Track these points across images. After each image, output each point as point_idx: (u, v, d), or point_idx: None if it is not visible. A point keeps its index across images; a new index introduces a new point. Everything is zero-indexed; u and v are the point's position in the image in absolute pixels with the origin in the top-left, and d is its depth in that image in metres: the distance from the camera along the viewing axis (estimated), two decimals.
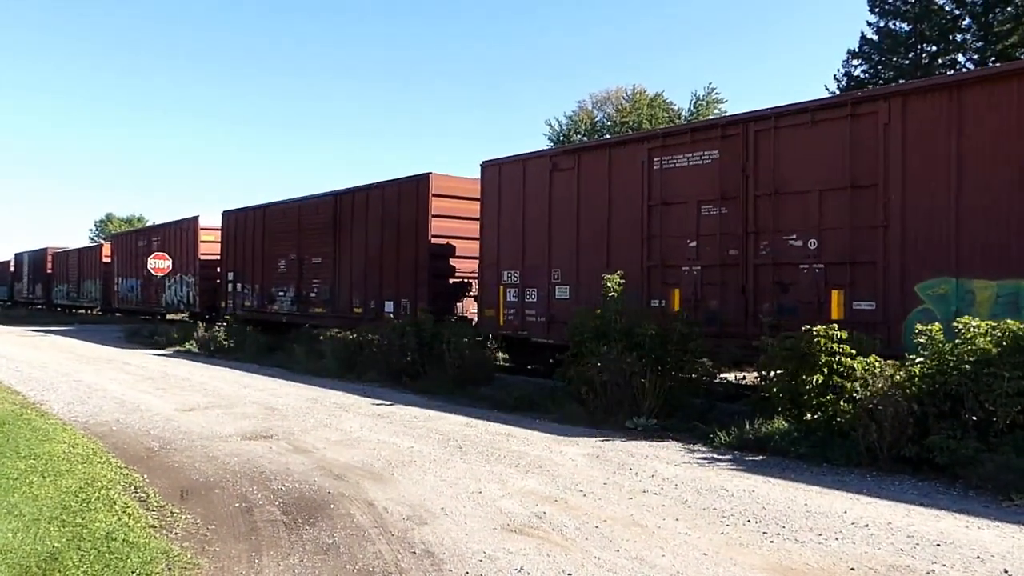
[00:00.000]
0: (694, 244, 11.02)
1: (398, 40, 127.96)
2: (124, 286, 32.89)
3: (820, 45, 76.76)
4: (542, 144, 50.80)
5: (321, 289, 18.98)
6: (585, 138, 48.34)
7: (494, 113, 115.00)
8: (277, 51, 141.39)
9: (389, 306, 16.43)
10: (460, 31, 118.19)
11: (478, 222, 14.63)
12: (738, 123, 10.69)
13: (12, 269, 53.88)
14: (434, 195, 15.68)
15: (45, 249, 46.40)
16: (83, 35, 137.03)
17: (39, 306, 47.38)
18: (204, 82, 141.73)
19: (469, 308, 15.98)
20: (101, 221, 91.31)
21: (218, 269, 24.49)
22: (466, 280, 16.01)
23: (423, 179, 15.86)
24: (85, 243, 56.04)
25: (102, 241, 38.06)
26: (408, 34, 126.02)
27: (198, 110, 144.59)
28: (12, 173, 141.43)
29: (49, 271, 45.08)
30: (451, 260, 15.88)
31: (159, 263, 28.08)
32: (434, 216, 15.64)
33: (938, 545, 5.12)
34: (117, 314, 35.33)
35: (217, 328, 20.69)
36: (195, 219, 25.97)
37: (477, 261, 14.85)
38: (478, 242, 14.69)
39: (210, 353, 19.53)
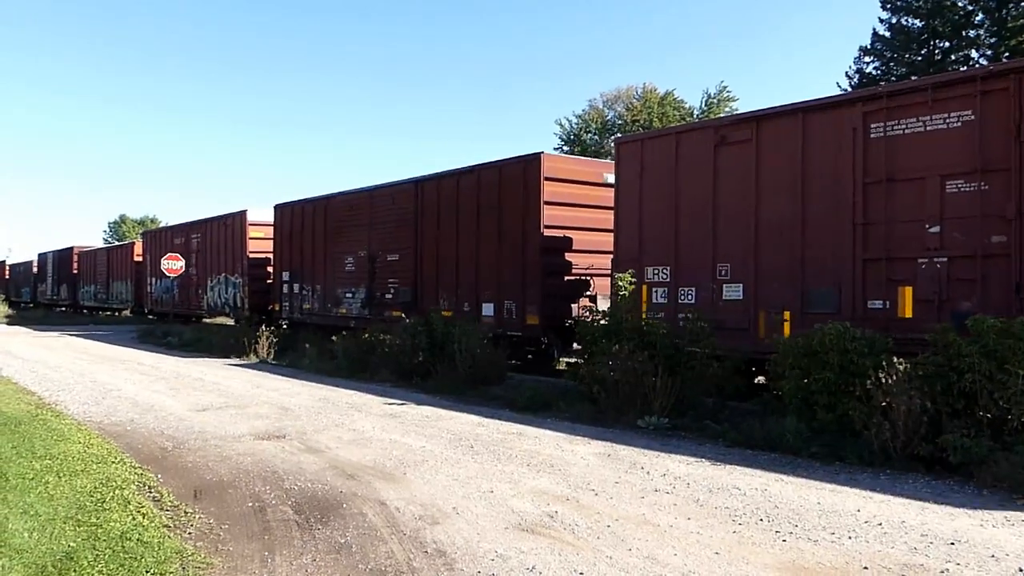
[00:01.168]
0: (936, 230, 8.78)
1: (403, 39, 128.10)
2: (158, 287, 30.43)
3: (831, 43, 76.40)
4: (552, 144, 50.79)
5: (399, 290, 16.85)
6: (596, 137, 48.28)
7: (497, 114, 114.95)
8: (287, 52, 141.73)
9: (488, 309, 14.47)
10: (463, 31, 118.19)
11: (598, 210, 13.18)
12: (1006, 73, 8.44)
13: (35, 270, 51.70)
14: (546, 179, 13.60)
15: (71, 248, 43.97)
16: (96, 36, 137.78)
17: (63, 308, 45.37)
18: (216, 83, 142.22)
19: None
20: (115, 222, 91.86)
21: (269, 268, 22.75)
22: (583, 277, 14.01)
23: (533, 160, 13.79)
24: (100, 244, 53.78)
25: (135, 239, 34.97)
26: (415, 33, 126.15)
27: (210, 111, 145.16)
28: (26, 175, 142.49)
29: (75, 271, 42.66)
30: (566, 255, 13.85)
31: (172, 264, 27.90)
32: (547, 204, 13.59)
33: (952, 544, 5.10)
34: (150, 316, 32.60)
35: (268, 337, 18.35)
36: (243, 213, 23.53)
37: (597, 256, 13.37)
38: (599, 234, 13.13)
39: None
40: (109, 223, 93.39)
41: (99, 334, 27.53)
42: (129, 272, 34.34)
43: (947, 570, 4.65)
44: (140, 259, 33.04)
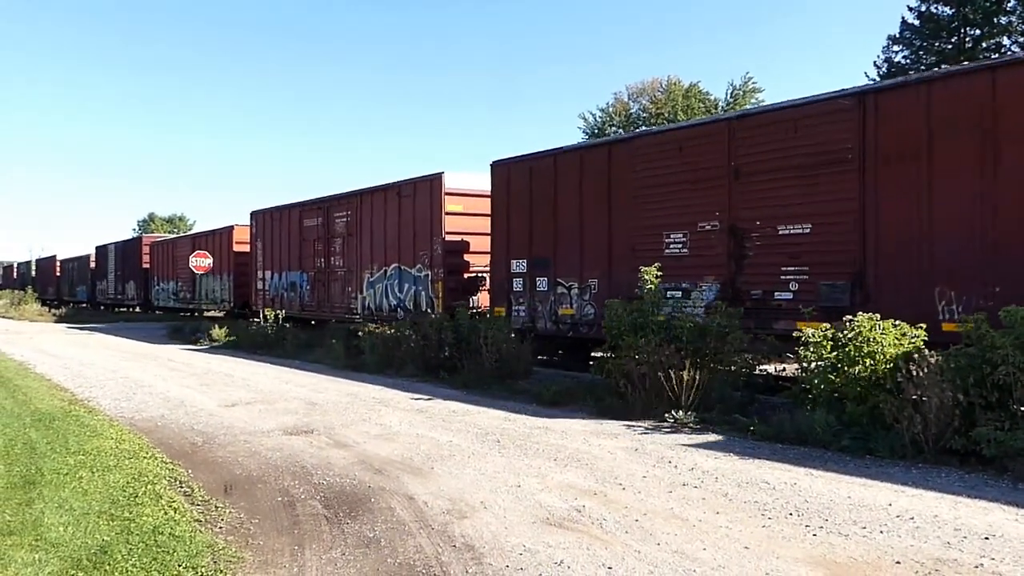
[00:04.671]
0: None
1: (413, 32, 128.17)
2: (277, 283, 23.53)
3: (859, 32, 75.42)
4: (576, 138, 50.64)
5: (816, 285, 9.65)
6: (620, 131, 48.09)
7: (511, 110, 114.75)
8: (300, 49, 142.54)
9: None
10: (480, 25, 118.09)
11: None
12: None
13: (93, 265, 44.70)
14: None
15: (139, 238, 38.77)
16: (110, 36, 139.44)
17: (128, 308, 40.15)
18: (240, 84, 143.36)
19: None
20: (143, 221, 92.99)
21: (466, 256, 16.87)
22: None
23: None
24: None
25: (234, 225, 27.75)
26: (425, 27, 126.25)
27: (236, 112, 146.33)
28: (52, 176, 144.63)
29: (146, 265, 35.99)
30: None
31: (200, 261, 27.36)
32: None
33: (986, 538, 5.02)
34: (256, 321, 21.43)
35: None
36: (436, 178, 16.73)
37: None
38: None
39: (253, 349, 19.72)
40: (138, 221, 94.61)
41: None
42: (227, 264, 27.58)
43: (982, 565, 4.58)
44: (244, 248, 26.46)
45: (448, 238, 16.50)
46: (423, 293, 16.97)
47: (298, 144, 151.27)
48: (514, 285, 14.61)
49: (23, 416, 9.69)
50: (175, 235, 34.98)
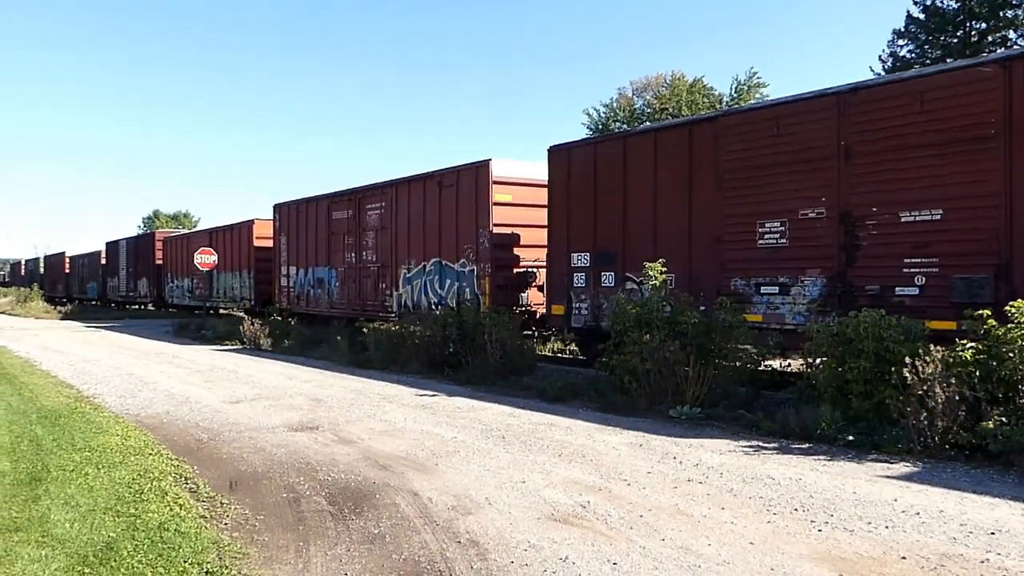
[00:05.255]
0: None
1: (408, 32, 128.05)
2: (303, 279, 22.11)
3: (864, 26, 75.17)
4: (581, 133, 50.58)
5: (947, 279, 8.76)
6: (625, 126, 47.99)
7: (512, 109, 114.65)
8: (306, 48, 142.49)
9: None
10: (480, 25, 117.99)
11: None
12: None
13: (104, 261, 43.65)
14: None
15: (151, 233, 37.89)
16: (112, 34, 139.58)
17: (139, 306, 39.45)
18: (244, 81, 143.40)
19: None
20: (148, 218, 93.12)
21: (516, 250, 15.54)
22: None
23: None
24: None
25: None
26: (423, 27, 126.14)
27: (239, 109, 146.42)
28: (59, 173, 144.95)
29: (158, 261, 35.02)
30: None
31: (205, 258, 26.93)
32: None
33: (992, 533, 5.01)
34: (280, 318, 21.18)
35: None
36: (484, 165, 15.47)
37: None
38: None
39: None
40: (143, 218, 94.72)
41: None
42: (247, 261, 26.25)
43: (988, 560, 4.57)
44: (264, 243, 25.18)
45: (496, 230, 15.24)
46: (467, 290, 15.71)
47: (300, 143, 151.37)
48: (575, 281, 13.31)
49: (29, 413, 9.72)
50: (189, 230, 32.85)
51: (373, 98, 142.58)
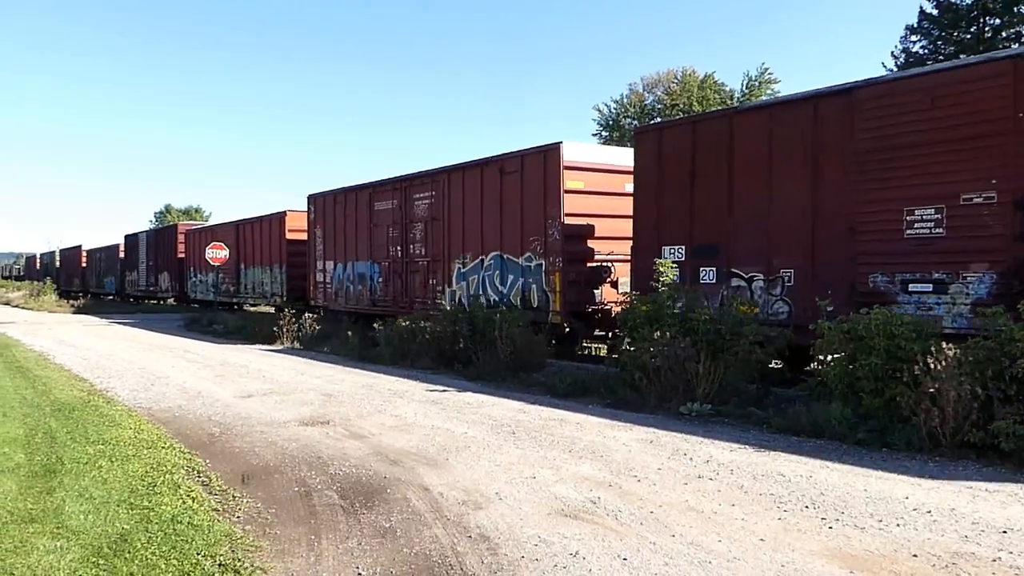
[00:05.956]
0: None
1: (413, 30, 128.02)
2: (343, 274, 20.76)
3: (875, 22, 74.74)
4: (589, 130, 50.48)
5: None
6: (636, 122, 47.89)
7: (518, 108, 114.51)
8: (312, 47, 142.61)
9: None
10: (484, 24, 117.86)
11: None
12: None
13: (122, 254, 42.93)
14: None
15: (173, 226, 36.83)
16: (117, 31, 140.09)
17: (159, 300, 38.37)
18: (243, 81, 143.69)
19: None
20: (160, 212, 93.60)
21: (589, 243, 14.23)
22: None
23: None
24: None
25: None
26: (422, 25, 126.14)
27: (242, 106, 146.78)
28: (70, 169, 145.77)
29: (181, 255, 34.05)
30: None
31: (216, 253, 26.63)
32: None
33: (1004, 532, 5.00)
34: (311, 313, 20.01)
35: None
36: (554, 148, 14.06)
37: None
38: None
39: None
40: (155, 213, 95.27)
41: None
42: (278, 254, 25.15)
43: (999, 558, 4.56)
44: (298, 235, 24.13)
45: (567, 221, 13.83)
46: (533, 286, 14.37)
47: (304, 142, 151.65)
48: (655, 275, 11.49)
49: (43, 406, 9.79)
50: (214, 223, 31.16)
51: (373, 98, 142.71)
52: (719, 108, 11.08)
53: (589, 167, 14.21)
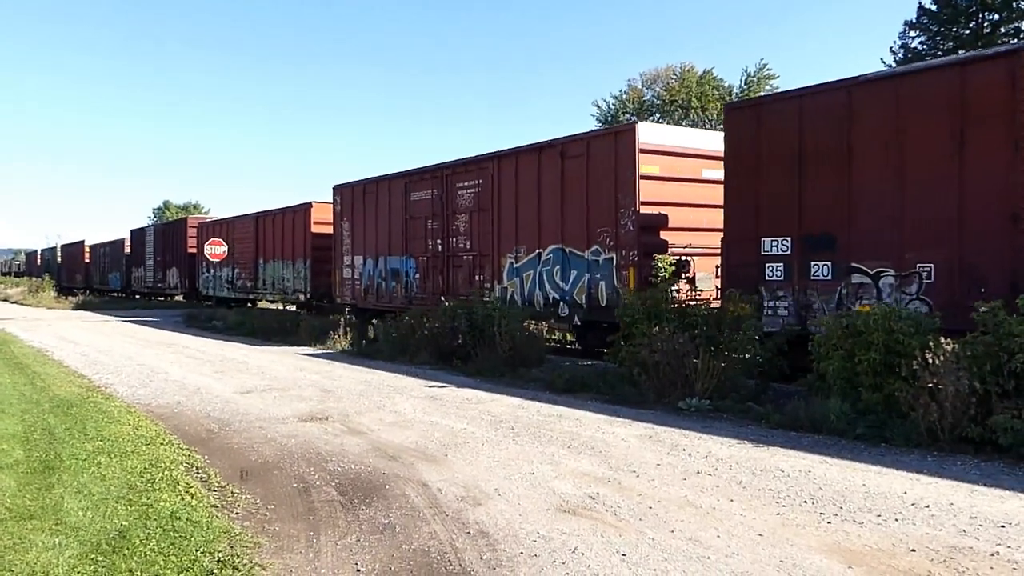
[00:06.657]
0: None
1: (418, 32, 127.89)
2: (373, 270, 19.57)
3: (873, 17, 74.70)
4: (588, 127, 50.37)
5: None
6: (634, 118, 47.85)
7: (515, 108, 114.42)
8: (314, 45, 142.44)
9: None
10: (483, 24, 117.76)
11: None
12: None
13: (128, 250, 41.50)
14: None
15: (184, 219, 35.25)
16: (118, 29, 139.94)
17: (166, 298, 37.09)
18: (255, 77, 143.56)
19: None
20: (159, 208, 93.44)
21: (663, 234, 12.78)
22: None
23: None
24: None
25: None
26: (422, 26, 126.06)
27: (240, 105, 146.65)
28: (68, 166, 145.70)
29: (191, 250, 32.57)
30: None
31: (215, 249, 26.48)
32: None
33: (1002, 526, 5.00)
34: (344, 315, 19.10)
35: None
36: (629, 130, 12.91)
37: None
38: None
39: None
40: (153, 209, 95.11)
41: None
42: (302, 249, 23.68)
43: (997, 552, 4.57)
44: (323, 229, 22.67)
45: (642, 210, 12.45)
46: (602, 283, 12.99)
47: (303, 141, 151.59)
48: (767, 272, 10.50)
49: (42, 402, 9.79)
50: (230, 216, 29.65)
51: (372, 97, 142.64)
52: (835, 80, 9.59)
53: (666, 151, 12.90)
